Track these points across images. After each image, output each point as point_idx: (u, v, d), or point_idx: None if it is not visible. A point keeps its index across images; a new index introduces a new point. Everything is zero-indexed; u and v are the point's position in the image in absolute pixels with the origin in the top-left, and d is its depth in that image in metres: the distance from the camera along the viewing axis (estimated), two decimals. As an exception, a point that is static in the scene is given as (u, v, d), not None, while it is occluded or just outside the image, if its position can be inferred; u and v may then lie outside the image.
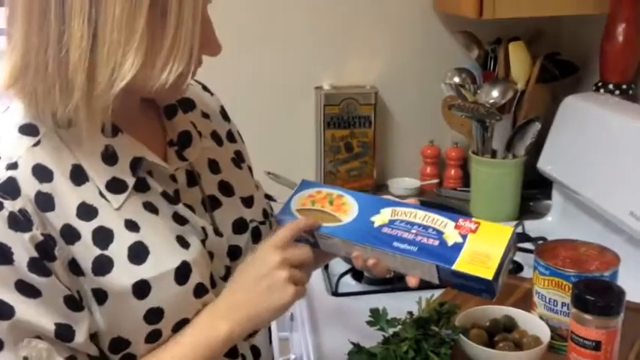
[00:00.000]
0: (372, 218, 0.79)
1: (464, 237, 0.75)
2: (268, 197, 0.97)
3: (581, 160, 1.33)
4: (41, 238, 0.65)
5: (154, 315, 0.70)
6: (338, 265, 1.26)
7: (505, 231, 0.75)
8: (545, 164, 1.44)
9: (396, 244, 0.76)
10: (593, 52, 1.46)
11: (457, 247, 0.74)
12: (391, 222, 0.78)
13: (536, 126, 1.46)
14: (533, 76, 1.48)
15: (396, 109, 1.73)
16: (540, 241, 1.35)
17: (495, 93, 1.45)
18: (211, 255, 0.77)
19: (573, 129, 1.37)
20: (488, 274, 0.71)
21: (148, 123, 0.79)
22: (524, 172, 1.51)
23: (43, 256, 0.65)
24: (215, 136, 0.87)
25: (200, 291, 0.74)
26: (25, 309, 0.64)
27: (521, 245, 1.36)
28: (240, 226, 0.82)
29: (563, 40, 1.67)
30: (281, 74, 1.67)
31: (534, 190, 1.55)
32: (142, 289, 0.69)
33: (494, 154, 1.50)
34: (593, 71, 1.48)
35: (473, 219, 0.77)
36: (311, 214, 0.81)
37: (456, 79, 1.53)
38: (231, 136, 0.91)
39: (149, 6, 0.62)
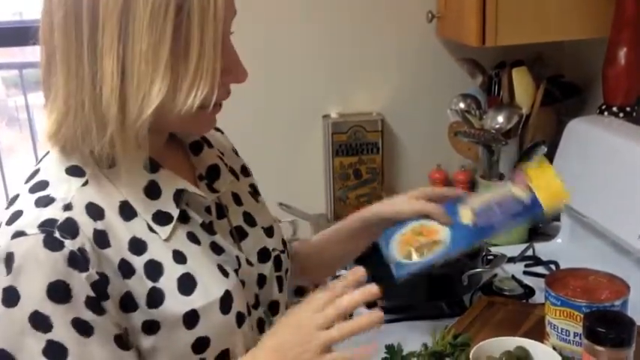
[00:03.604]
0: (462, 222, 0.89)
1: (528, 188, 0.90)
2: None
3: (588, 184, 1.34)
4: (97, 277, 0.67)
5: (202, 344, 0.73)
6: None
7: (543, 163, 0.94)
8: (553, 187, 1.46)
9: (497, 225, 0.89)
10: (596, 73, 1.48)
11: (534, 199, 0.90)
12: (478, 214, 0.90)
13: (542, 149, 1.47)
14: (538, 100, 1.50)
15: (402, 135, 1.76)
16: (552, 264, 1.37)
17: (501, 118, 1.47)
18: (242, 284, 0.80)
19: (579, 152, 1.39)
20: (566, 196, 0.91)
21: (176, 160, 0.82)
22: (532, 194, 1.52)
23: (99, 295, 0.67)
24: (232, 172, 0.91)
25: (240, 320, 0.76)
26: (78, 349, 0.66)
27: (532, 270, 1.37)
28: (264, 255, 0.86)
29: (566, 62, 1.69)
30: (289, 104, 1.70)
31: (543, 212, 1.56)
32: (191, 318, 0.72)
33: (501, 178, 1.52)
34: (597, 92, 1.50)
35: (517, 172, 0.94)
36: (419, 252, 0.89)
37: (462, 105, 1.55)
38: (245, 171, 0.95)
39: (172, 39, 0.66)
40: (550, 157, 1.47)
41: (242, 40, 0.77)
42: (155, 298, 0.71)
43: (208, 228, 0.79)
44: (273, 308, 0.87)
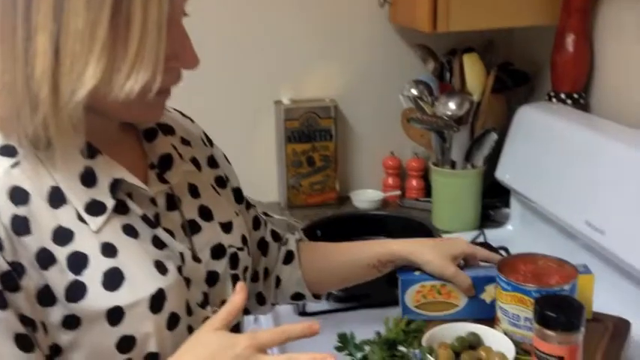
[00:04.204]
0: (482, 296, 0.99)
1: None
2: (266, 214, 1.00)
3: (537, 170, 1.36)
4: (6, 267, 0.63)
5: (127, 343, 0.69)
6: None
7: (590, 277, 0.96)
8: (503, 174, 1.47)
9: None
10: (545, 62, 1.50)
11: None
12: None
13: (493, 136, 1.49)
14: (488, 86, 1.51)
15: (356, 122, 1.74)
16: (502, 250, 1.39)
17: (452, 105, 1.47)
18: (188, 281, 0.77)
19: (528, 138, 1.41)
20: (589, 314, 0.93)
21: (128, 147, 0.79)
22: (484, 181, 1.54)
23: (5, 287, 0.63)
24: (194, 162, 0.87)
25: (173, 321, 0.73)
26: None
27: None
28: (218, 251, 0.82)
29: (515, 50, 1.71)
30: (240, 90, 1.67)
31: (494, 199, 1.58)
32: (115, 315, 0.68)
33: (453, 165, 1.52)
34: (546, 80, 1.52)
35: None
36: (429, 307, 0.99)
37: (414, 92, 1.55)
38: (212, 162, 0.91)
39: (111, 16, 0.62)
40: (500, 143, 1.49)
41: (191, 24, 0.73)
42: (75, 291, 0.67)
43: (150, 221, 0.75)
44: None
